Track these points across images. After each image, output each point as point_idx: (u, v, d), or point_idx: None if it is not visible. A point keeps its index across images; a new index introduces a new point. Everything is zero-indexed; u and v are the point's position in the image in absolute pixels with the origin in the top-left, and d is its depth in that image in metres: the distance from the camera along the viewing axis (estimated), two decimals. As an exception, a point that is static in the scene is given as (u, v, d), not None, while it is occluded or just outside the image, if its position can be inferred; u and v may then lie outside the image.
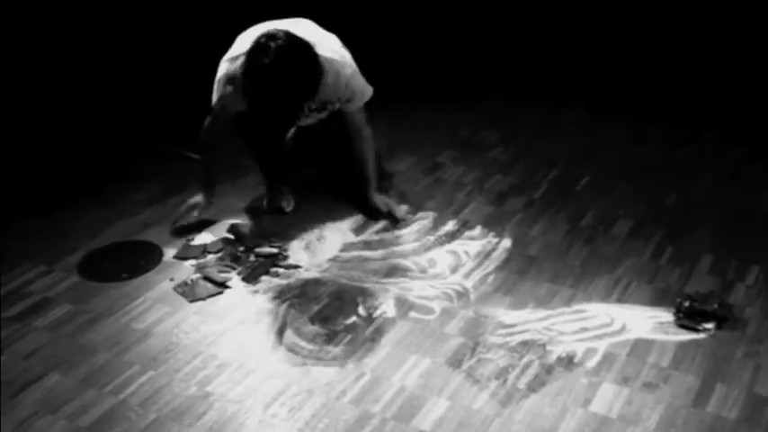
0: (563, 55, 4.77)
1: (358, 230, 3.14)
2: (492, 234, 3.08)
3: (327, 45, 2.94)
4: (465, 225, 3.14)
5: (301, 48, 2.77)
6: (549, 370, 2.36)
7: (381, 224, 3.16)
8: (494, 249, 2.99)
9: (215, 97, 3.00)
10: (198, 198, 3.19)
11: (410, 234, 3.10)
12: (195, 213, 3.18)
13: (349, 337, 2.55)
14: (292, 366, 2.43)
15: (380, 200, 3.22)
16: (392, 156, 3.70)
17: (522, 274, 2.84)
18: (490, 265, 2.90)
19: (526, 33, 4.91)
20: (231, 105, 2.97)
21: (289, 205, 3.30)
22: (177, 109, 4.20)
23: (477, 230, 3.11)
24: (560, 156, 3.71)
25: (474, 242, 3.03)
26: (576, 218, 3.19)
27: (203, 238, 3.12)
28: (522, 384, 2.31)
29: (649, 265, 2.85)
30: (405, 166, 3.66)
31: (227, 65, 2.94)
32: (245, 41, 2.88)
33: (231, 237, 3.11)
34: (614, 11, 4.70)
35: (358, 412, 2.24)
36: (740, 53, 4.41)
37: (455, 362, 2.41)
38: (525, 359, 2.41)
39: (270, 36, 2.75)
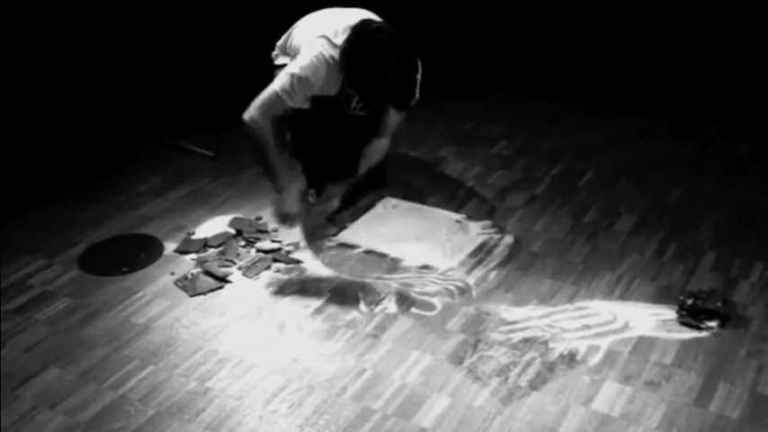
0: (566, 49, 4.75)
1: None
2: (494, 230, 3.07)
3: None
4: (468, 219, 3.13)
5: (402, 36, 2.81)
6: (550, 367, 2.35)
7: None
8: (496, 245, 2.97)
9: (291, 77, 2.80)
10: (288, 199, 2.93)
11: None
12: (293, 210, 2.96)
13: (350, 332, 2.54)
14: (293, 362, 2.42)
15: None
16: (394, 150, 3.67)
17: (524, 270, 2.82)
18: (492, 261, 2.88)
19: (529, 27, 4.89)
20: (306, 88, 2.82)
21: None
22: (180, 100, 4.20)
23: (480, 226, 3.09)
24: (563, 151, 3.70)
25: (476, 238, 3.02)
26: (578, 214, 3.17)
27: (204, 231, 3.11)
28: (523, 382, 2.30)
29: (652, 262, 2.84)
30: (406, 161, 3.64)
31: (322, 42, 2.83)
32: (319, 26, 2.90)
33: (232, 231, 3.10)
34: (619, 5, 4.67)
35: (359, 409, 2.23)
36: (744, 48, 4.39)
37: (456, 359, 2.40)
38: (527, 356, 2.40)
39: (371, 20, 2.81)
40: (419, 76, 2.90)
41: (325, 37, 2.85)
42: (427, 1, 4.90)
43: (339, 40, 2.82)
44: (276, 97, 2.82)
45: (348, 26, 2.83)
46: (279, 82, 2.83)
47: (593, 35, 4.71)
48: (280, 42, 3.16)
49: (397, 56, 2.72)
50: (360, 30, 2.79)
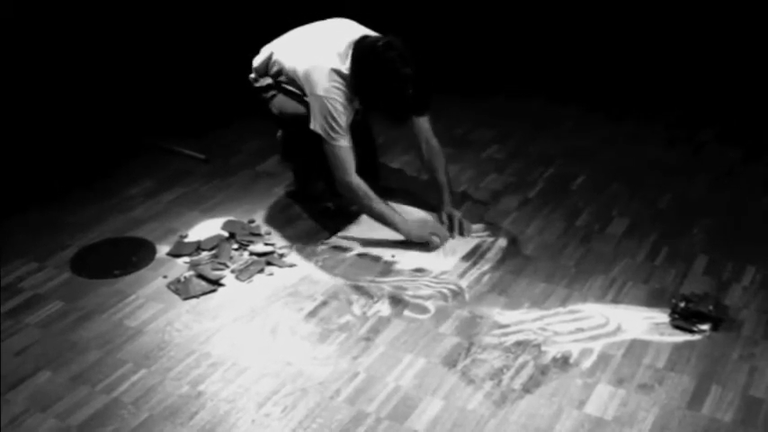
0: (559, 53, 4.76)
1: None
2: (487, 233, 3.07)
3: None
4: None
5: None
6: (543, 371, 2.35)
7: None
8: (489, 248, 2.97)
9: (326, 122, 2.82)
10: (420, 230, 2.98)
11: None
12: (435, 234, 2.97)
13: (343, 336, 2.54)
14: (286, 365, 2.42)
15: (456, 213, 3.11)
16: (386, 154, 3.68)
17: (517, 273, 2.83)
18: (485, 264, 2.88)
19: (523, 31, 4.90)
20: (344, 118, 2.86)
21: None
22: (173, 104, 4.19)
23: (473, 230, 3.09)
24: (556, 154, 3.70)
25: (469, 241, 3.02)
26: (571, 217, 3.18)
27: (197, 234, 3.10)
28: (516, 385, 2.30)
29: (645, 266, 2.85)
30: (399, 165, 3.64)
31: (332, 75, 2.81)
32: (315, 48, 2.88)
33: (225, 234, 3.09)
34: (612, 9, 4.69)
35: (352, 412, 2.23)
36: (737, 53, 4.41)
37: (450, 362, 2.40)
38: (520, 360, 2.40)
39: (372, 37, 2.80)
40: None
41: (334, 70, 2.81)
42: (419, 4, 4.90)
43: (347, 65, 2.81)
44: (333, 149, 2.86)
45: (350, 43, 2.81)
46: (322, 133, 2.84)
47: (588, 41, 4.72)
48: (257, 65, 3.12)
49: (411, 68, 2.73)
50: (368, 50, 2.77)
